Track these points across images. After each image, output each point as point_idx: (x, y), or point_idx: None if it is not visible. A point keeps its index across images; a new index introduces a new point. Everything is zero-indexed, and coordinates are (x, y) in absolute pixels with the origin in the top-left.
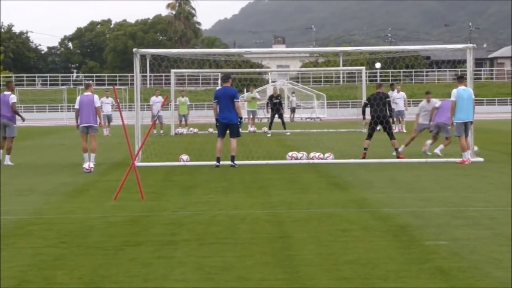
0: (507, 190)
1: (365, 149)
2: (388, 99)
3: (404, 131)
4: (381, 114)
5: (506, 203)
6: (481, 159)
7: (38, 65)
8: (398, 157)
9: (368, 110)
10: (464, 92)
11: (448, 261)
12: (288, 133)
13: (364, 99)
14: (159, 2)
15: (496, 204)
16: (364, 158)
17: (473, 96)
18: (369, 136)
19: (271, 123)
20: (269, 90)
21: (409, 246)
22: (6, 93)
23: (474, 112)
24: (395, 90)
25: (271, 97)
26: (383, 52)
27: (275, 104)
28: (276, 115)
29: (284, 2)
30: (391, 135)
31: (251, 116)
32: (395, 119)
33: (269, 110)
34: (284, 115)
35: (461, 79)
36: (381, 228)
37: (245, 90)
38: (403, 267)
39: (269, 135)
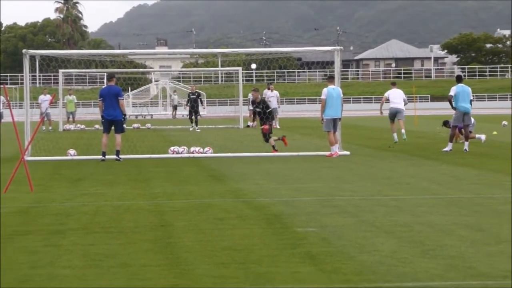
0: (371, 181)
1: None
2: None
3: (278, 126)
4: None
5: (370, 192)
6: (348, 153)
7: None
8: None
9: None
10: (333, 91)
11: (317, 246)
12: (198, 130)
13: (241, 98)
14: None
15: (361, 194)
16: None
17: (342, 95)
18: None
19: (190, 118)
20: (152, 89)
21: (281, 233)
22: None
23: (342, 110)
24: (269, 89)
25: (189, 94)
26: (258, 54)
27: (194, 100)
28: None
29: (167, 6)
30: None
31: None
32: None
33: (186, 107)
34: (169, 112)
35: (331, 78)
36: (256, 216)
37: (129, 88)
38: (276, 252)
39: (198, 130)
